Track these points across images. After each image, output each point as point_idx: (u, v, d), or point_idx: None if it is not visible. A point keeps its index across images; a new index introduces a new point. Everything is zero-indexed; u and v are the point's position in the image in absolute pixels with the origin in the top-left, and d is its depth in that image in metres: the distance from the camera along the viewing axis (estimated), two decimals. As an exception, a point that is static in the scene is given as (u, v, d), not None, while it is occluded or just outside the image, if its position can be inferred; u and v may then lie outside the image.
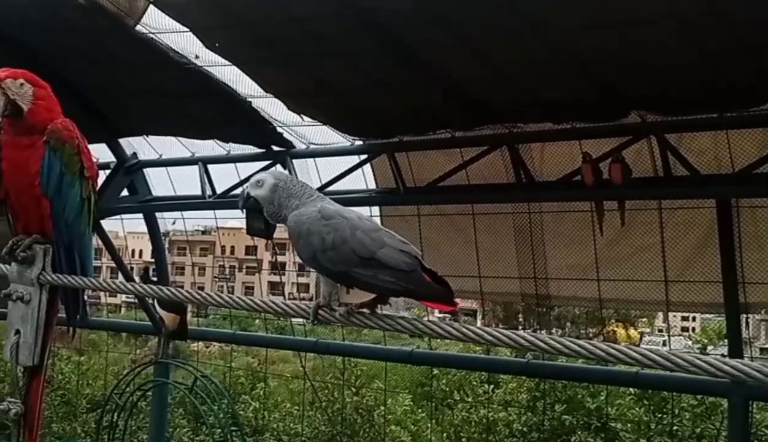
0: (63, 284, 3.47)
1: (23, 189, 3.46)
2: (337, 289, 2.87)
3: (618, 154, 7.11)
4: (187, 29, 7.29)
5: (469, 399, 11.64)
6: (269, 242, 10.67)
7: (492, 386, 11.45)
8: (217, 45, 7.40)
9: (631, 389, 10.16)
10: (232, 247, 53.81)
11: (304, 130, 8.87)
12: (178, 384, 9.12)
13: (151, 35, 7.47)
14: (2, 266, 3.56)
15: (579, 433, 9.93)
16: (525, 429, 10.40)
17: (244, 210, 3.10)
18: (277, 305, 3.02)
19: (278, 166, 8.88)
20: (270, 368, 17.94)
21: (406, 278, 2.76)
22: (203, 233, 50.17)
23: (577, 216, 7.99)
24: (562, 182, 7.54)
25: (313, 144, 9.05)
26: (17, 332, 3.42)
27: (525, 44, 6.30)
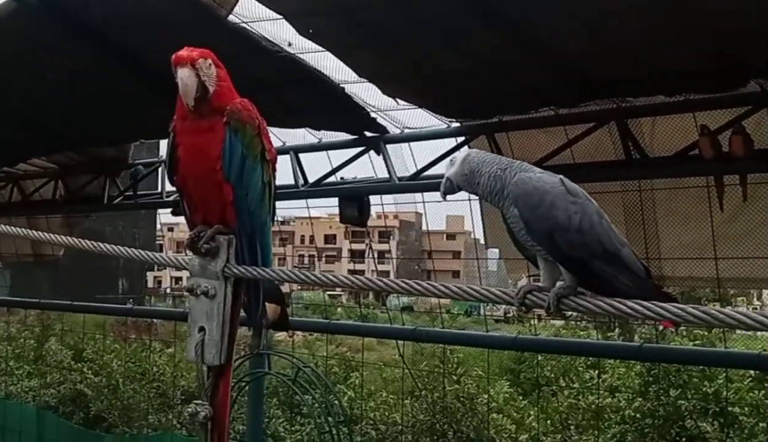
0: (251, 276, 3.28)
1: (203, 176, 3.27)
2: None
3: (739, 125, 6.73)
4: (281, 16, 7.17)
5: (576, 385, 11.34)
6: (348, 229, 10.57)
7: (597, 371, 11.12)
8: (311, 31, 7.27)
9: (750, 372, 9.75)
10: (311, 236, 54.32)
11: (398, 114, 8.70)
12: (281, 376, 9.03)
13: (244, 24, 7.37)
14: (182, 259, 3.42)
15: (695, 418, 9.58)
16: (638, 415, 10.08)
17: (446, 196, 2.85)
18: (483, 292, 2.70)
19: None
20: (356, 357, 17.93)
21: (642, 285, 2.55)
22: (282, 223, 50.78)
23: (692, 192, 7.62)
24: (678, 157, 7.19)
25: (408, 128, 8.85)
26: (201, 329, 3.23)
27: (635, 13, 6.01)
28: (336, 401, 9.17)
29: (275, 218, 3.56)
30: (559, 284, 2.56)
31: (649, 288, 2.53)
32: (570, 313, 2.67)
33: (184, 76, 3.13)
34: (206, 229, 3.27)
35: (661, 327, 12.00)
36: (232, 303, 3.27)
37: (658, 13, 5.94)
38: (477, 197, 9.34)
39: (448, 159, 2.87)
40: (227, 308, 3.23)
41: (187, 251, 3.31)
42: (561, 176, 2.63)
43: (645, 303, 2.35)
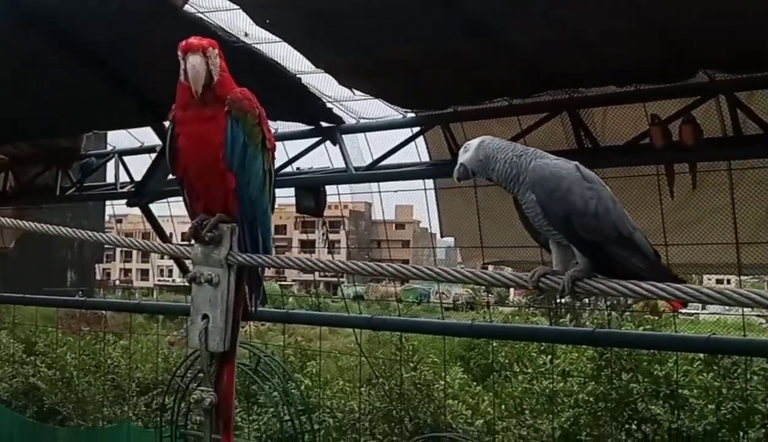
0: (254, 264, 3.30)
1: (206, 165, 3.27)
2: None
3: (689, 114, 6.90)
4: (237, 6, 7.17)
5: (529, 370, 11.50)
6: (298, 219, 10.55)
7: (550, 357, 11.27)
8: (267, 21, 7.27)
9: (700, 355, 9.99)
10: (260, 226, 53.94)
11: (354, 104, 8.75)
12: (242, 365, 9.04)
13: (200, 14, 7.34)
14: (183, 248, 3.42)
15: (646, 400, 9.79)
16: (591, 399, 10.26)
17: (459, 180, 2.85)
18: (494, 276, 2.75)
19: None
20: (310, 346, 17.96)
21: (653, 266, 2.58)
22: (232, 213, 50.50)
23: (642, 180, 7.79)
24: (630, 146, 7.35)
25: (364, 119, 8.89)
26: (204, 316, 3.22)
27: (586, 5, 6.13)
28: (296, 391, 9.22)
29: (275, 206, 3.59)
30: (573, 267, 2.59)
31: (659, 270, 2.57)
32: (583, 295, 2.72)
33: (195, 62, 3.14)
34: (208, 217, 3.26)
35: (612, 313, 12.26)
36: (235, 290, 3.27)
37: (609, 5, 6.06)
38: (432, 187, 9.48)
39: (463, 147, 2.83)
40: (231, 296, 3.24)
41: (190, 239, 3.29)
42: (576, 163, 2.67)
43: (660, 284, 2.39)
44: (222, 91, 3.24)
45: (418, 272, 2.93)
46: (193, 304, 3.27)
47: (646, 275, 2.50)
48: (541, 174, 2.60)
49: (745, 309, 7.83)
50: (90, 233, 3.68)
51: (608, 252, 2.55)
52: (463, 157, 2.79)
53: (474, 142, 2.79)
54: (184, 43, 3.19)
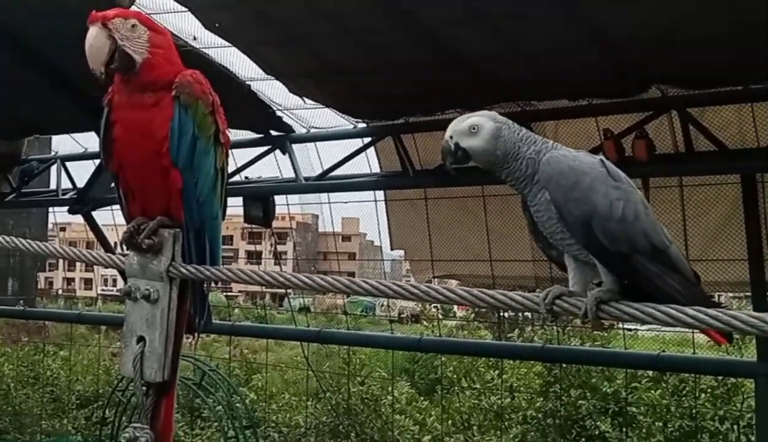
0: (201, 277, 2.77)
1: (145, 159, 2.74)
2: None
3: (642, 129, 6.89)
4: (186, 9, 6.99)
5: (477, 386, 11.43)
6: (245, 230, 10.38)
7: (498, 372, 11.19)
8: (217, 25, 7.12)
9: (648, 372, 9.97)
10: (208, 236, 53.47)
11: (305, 113, 8.64)
12: (185, 379, 8.81)
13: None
14: (117, 258, 2.93)
15: (595, 417, 9.78)
16: (539, 416, 10.22)
17: (453, 165, 2.32)
18: (508, 298, 2.23)
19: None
20: (255, 358, 17.76)
21: (692, 291, 2.15)
22: (178, 223, 49.97)
23: (594, 196, 7.76)
24: (582, 161, 7.32)
25: (314, 128, 8.77)
26: (141, 339, 2.72)
27: (542, 18, 6.09)
28: (242, 405, 9.02)
29: (226, 212, 3.10)
30: (597, 287, 2.19)
31: (698, 295, 2.15)
32: (609, 322, 2.20)
33: (89, 37, 2.64)
34: (147, 221, 2.76)
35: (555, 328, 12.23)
36: (178, 308, 2.79)
37: (562, 19, 6.03)
38: (382, 199, 9.38)
39: (467, 125, 2.28)
40: (172, 315, 2.76)
41: (124, 247, 2.80)
42: (601, 156, 2.26)
43: (711, 311, 1.95)
44: (155, 73, 2.72)
45: (415, 290, 2.42)
46: (126, 323, 2.77)
47: (682, 299, 2.08)
48: (557, 168, 2.17)
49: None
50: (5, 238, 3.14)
51: (637, 267, 2.14)
52: (467, 141, 2.28)
53: (487, 128, 2.27)
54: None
